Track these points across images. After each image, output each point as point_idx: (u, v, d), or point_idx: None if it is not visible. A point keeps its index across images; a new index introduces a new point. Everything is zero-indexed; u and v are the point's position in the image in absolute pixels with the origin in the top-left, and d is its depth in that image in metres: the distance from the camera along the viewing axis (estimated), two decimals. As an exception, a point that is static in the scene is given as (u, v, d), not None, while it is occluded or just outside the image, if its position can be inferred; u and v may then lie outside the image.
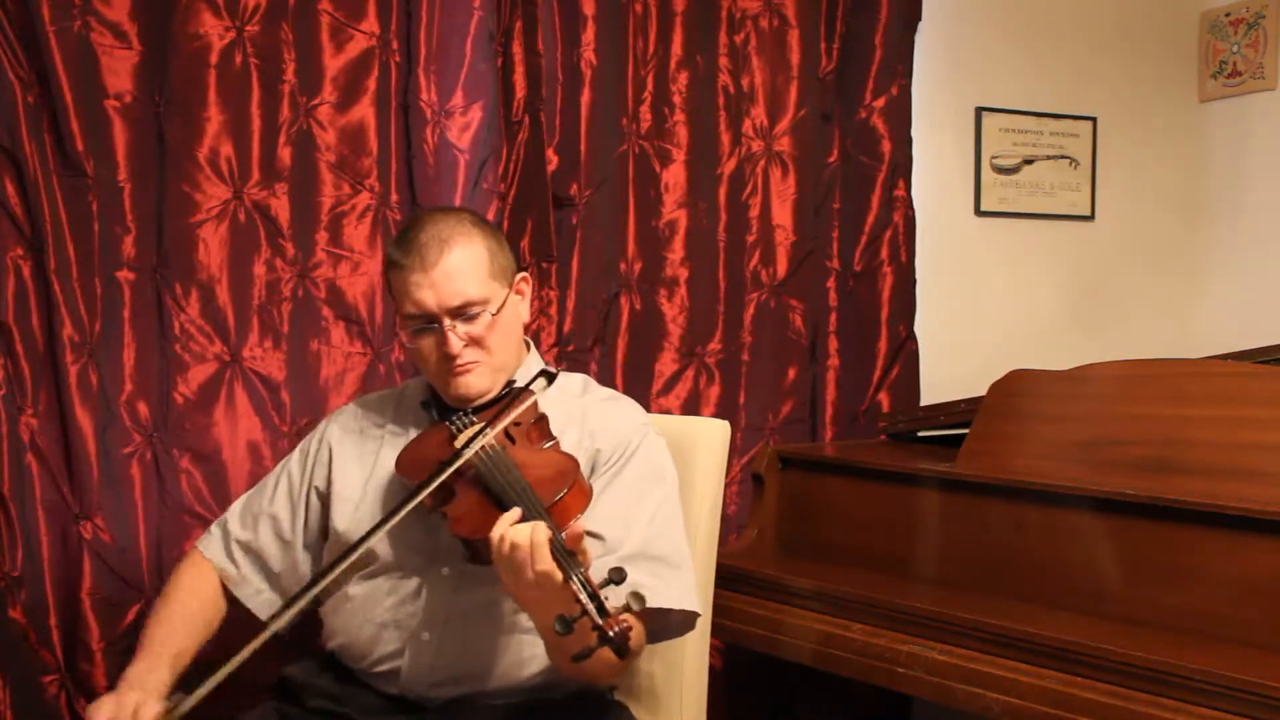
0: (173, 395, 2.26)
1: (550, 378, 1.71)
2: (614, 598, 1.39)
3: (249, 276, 2.32)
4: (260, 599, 1.85)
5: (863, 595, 2.16)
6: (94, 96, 2.20)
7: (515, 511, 1.49)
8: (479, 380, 1.74)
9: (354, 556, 1.59)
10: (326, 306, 2.38)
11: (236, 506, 1.92)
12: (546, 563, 1.41)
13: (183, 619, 1.79)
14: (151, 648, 1.74)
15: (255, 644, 1.53)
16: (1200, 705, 1.70)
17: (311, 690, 1.76)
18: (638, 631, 1.62)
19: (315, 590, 1.59)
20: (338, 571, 1.59)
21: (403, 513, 1.56)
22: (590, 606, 1.37)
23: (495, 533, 1.47)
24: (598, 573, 1.42)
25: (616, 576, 1.39)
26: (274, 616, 1.61)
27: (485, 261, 1.73)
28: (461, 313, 1.70)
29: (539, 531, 1.43)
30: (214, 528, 1.92)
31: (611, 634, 1.35)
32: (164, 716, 1.59)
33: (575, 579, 1.39)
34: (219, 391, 2.30)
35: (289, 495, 1.87)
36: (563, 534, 1.45)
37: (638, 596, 1.37)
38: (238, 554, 1.86)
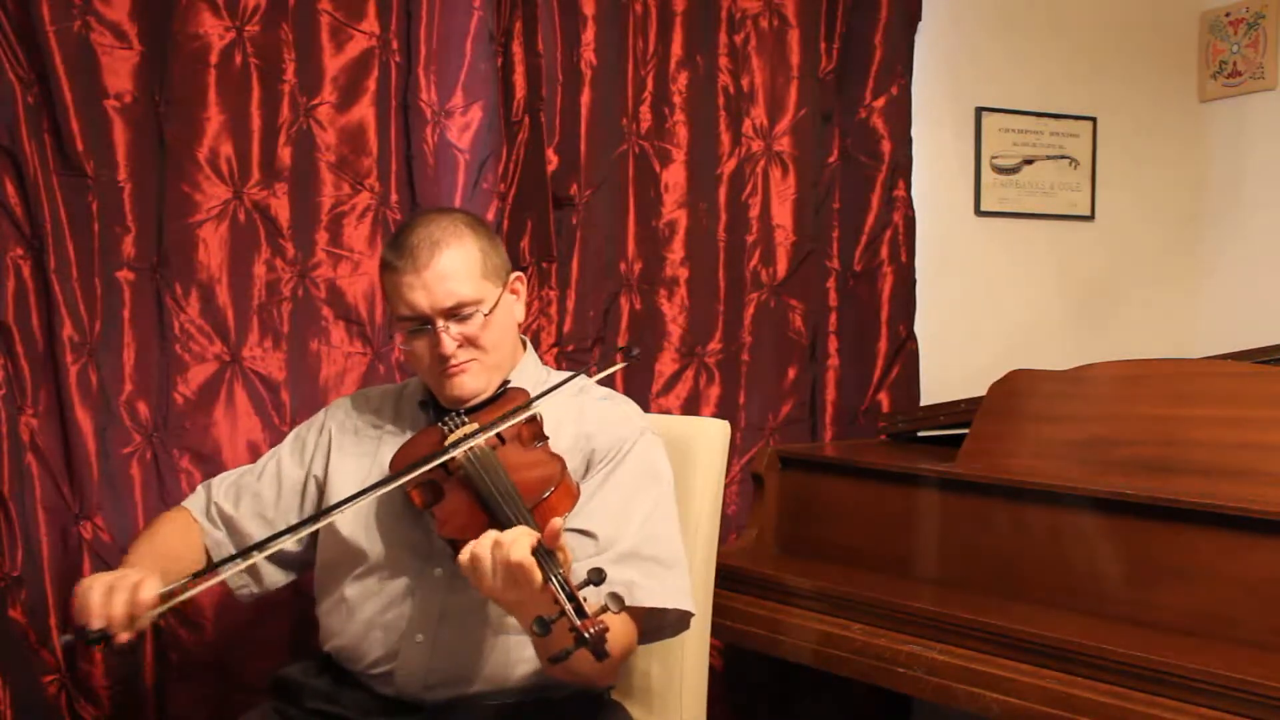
0: (173, 395, 2.27)
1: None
2: (593, 599, 1.38)
3: (249, 276, 2.32)
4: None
5: (863, 595, 2.16)
6: (94, 96, 2.20)
7: (492, 532, 1.47)
8: (473, 380, 1.74)
9: (317, 526, 1.68)
10: (326, 306, 2.38)
11: (224, 477, 1.91)
12: (522, 555, 1.40)
13: (169, 548, 1.77)
14: (138, 560, 1.68)
15: (224, 574, 1.67)
16: (1200, 705, 1.70)
17: (309, 691, 1.75)
18: (626, 632, 1.62)
19: (268, 547, 1.64)
20: (297, 534, 1.65)
21: (374, 493, 1.60)
22: (568, 608, 1.36)
23: (467, 551, 1.45)
24: (577, 574, 1.42)
25: (595, 577, 1.39)
26: (223, 561, 1.72)
27: (478, 262, 1.73)
28: (454, 313, 1.71)
29: (517, 535, 1.43)
30: (199, 488, 1.91)
31: (588, 635, 1.34)
32: (164, 596, 1.53)
33: (554, 580, 1.39)
34: (219, 391, 2.30)
35: (276, 479, 1.86)
36: (543, 533, 1.43)
37: (616, 598, 1.36)
38: (215, 518, 1.86)
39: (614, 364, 1.77)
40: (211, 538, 1.84)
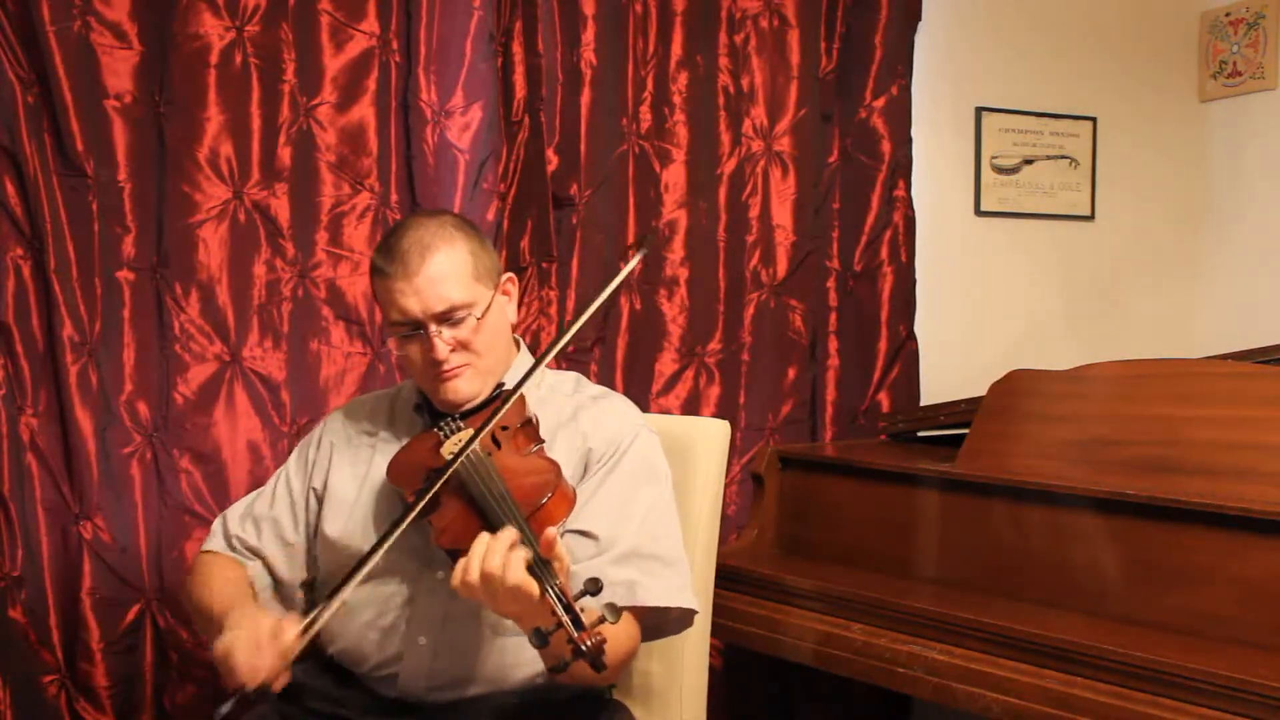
0: (173, 395, 2.27)
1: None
2: (592, 608, 1.37)
3: (249, 276, 2.32)
4: (264, 596, 1.84)
5: (863, 595, 2.16)
6: (94, 96, 2.20)
7: (488, 536, 1.46)
8: (467, 385, 1.73)
9: (361, 575, 1.57)
10: (326, 306, 2.38)
11: (236, 508, 1.91)
12: (520, 578, 1.39)
13: (239, 591, 1.77)
14: (228, 602, 1.68)
15: (345, 593, 1.56)
16: (1200, 705, 1.70)
17: (311, 692, 1.75)
18: (628, 635, 1.62)
19: (330, 611, 1.57)
20: (347, 592, 1.58)
21: (399, 530, 1.56)
22: (565, 619, 1.35)
23: (459, 573, 1.45)
24: (575, 583, 1.41)
25: (593, 588, 1.38)
26: (341, 584, 1.58)
27: (468, 265, 1.72)
28: (446, 318, 1.70)
29: (513, 547, 1.42)
30: (214, 526, 1.91)
31: (585, 647, 1.33)
32: (302, 634, 1.56)
33: (551, 592, 1.38)
34: (219, 391, 2.30)
35: (289, 498, 1.86)
36: (539, 543, 1.43)
37: (614, 609, 1.36)
38: (244, 551, 1.86)
39: (629, 261, 1.75)
40: (252, 571, 1.84)
